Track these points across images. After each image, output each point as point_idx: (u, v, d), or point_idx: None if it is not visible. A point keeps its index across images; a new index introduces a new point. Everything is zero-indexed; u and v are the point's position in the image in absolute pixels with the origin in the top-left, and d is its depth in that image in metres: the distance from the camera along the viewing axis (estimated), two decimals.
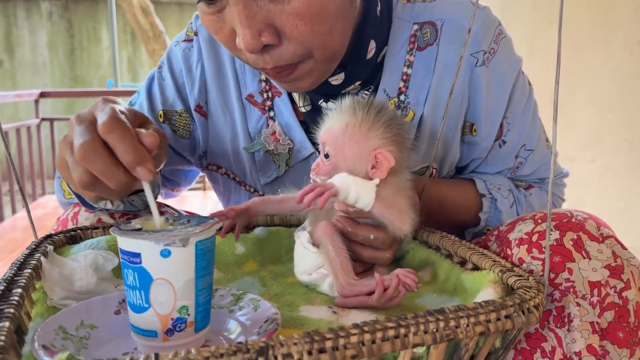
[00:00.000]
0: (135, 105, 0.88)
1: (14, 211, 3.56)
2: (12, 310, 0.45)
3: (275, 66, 0.65)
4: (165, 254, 0.47)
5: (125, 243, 0.48)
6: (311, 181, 0.63)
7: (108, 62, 6.54)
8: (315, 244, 0.66)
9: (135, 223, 0.51)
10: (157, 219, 0.52)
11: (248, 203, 0.68)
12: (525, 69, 0.84)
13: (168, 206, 0.87)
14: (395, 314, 0.57)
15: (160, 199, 0.98)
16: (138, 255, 0.47)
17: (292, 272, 0.70)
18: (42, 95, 3.86)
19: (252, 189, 0.87)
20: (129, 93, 4.73)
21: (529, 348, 0.56)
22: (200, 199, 3.93)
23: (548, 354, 0.55)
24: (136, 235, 0.47)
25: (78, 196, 0.72)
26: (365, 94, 0.79)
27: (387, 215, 0.60)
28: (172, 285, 0.47)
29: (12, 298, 0.48)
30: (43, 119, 3.92)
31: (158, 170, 0.76)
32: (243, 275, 0.69)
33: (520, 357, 0.57)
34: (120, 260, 0.49)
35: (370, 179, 0.61)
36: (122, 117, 0.53)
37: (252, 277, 0.68)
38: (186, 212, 0.93)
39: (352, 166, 0.60)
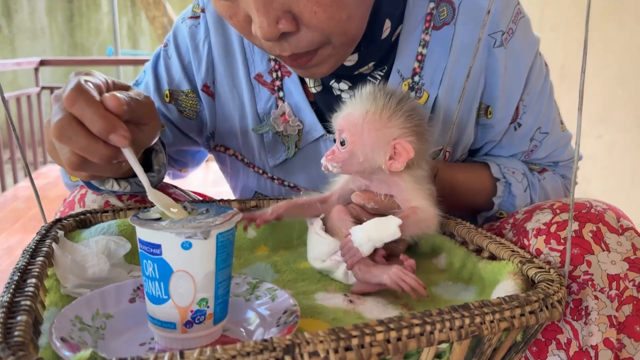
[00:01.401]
0: (141, 84, 0.86)
1: (15, 180, 3.56)
2: (28, 303, 0.45)
3: (292, 53, 0.63)
4: (187, 246, 0.46)
5: (145, 234, 0.47)
6: (322, 168, 0.62)
7: (108, 28, 6.44)
8: (328, 230, 0.66)
9: (154, 211, 0.51)
10: (144, 182, 0.53)
11: (276, 212, 0.65)
12: None
13: (176, 187, 0.86)
14: (412, 304, 0.58)
15: (167, 179, 0.97)
16: (158, 246, 0.46)
17: (304, 257, 0.69)
18: (42, 63, 3.81)
19: (260, 171, 0.86)
20: (130, 62, 4.67)
21: (544, 339, 0.56)
22: (202, 171, 3.93)
23: (563, 346, 0.55)
24: (156, 226, 0.46)
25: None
26: (379, 75, 0.77)
27: (413, 232, 0.60)
28: (193, 278, 0.47)
29: (27, 289, 0.47)
30: (43, 88, 3.88)
31: (163, 150, 0.75)
32: (255, 260, 0.69)
33: (535, 348, 0.56)
34: (139, 250, 0.48)
35: (389, 170, 0.59)
36: (87, 86, 0.52)
37: (265, 263, 0.68)
38: (194, 192, 0.93)
39: (369, 155, 0.59)
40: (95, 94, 0.52)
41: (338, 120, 0.62)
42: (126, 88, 0.60)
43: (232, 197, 0.94)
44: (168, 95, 0.84)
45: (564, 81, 2.51)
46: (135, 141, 0.58)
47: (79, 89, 0.51)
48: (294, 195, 0.69)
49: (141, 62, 4.37)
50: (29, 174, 0.63)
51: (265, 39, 0.60)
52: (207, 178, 3.73)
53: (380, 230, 0.57)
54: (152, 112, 0.59)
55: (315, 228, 0.66)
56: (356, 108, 0.60)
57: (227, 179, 0.94)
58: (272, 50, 0.64)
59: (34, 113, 3.84)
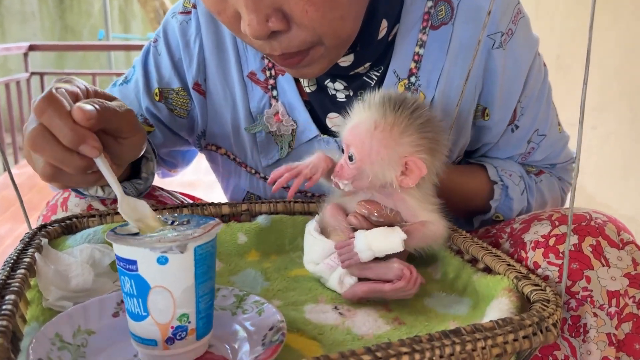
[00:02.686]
0: (131, 81, 0.84)
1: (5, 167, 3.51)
2: (4, 324, 0.43)
3: (282, 53, 0.60)
4: (163, 261, 0.44)
5: (121, 250, 0.45)
6: (332, 184, 0.60)
7: (99, 11, 6.34)
8: (323, 230, 0.64)
9: (132, 225, 0.49)
10: (117, 193, 0.52)
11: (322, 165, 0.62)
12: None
13: (162, 189, 0.84)
14: (404, 317, 0.56)
15: (157, 179, 0.95)
16: (134, 262, 0.45)
17: (296, 263, 0.68)
18: (31, 48, 3.74)
19: (253, 170, 0.84)
20: (121, 47, 4.60)
21: (540, 355, 0.55)
22: (196, 158, 3.88)
23: None
24: (131, 241, 0.45)
25: None
26: (375, 75, 0.75)
27: (419, 245, 0.58)
28: (171, 293, 0.45)
29: (4, 307, 0.45)
30: (33, 73, 3.82)
31: (154, 159, 0.73)
32: (245, 266, 0.67)
33: None
34: (117, 266, 0.47)
35: (400, 186, 0.57)
36: (57, 95, 0.51)
37: (255, 270, 0.66)
38: (182, 194, 0.91)
39: (379, 172, 0.56)
40: (65, 103, 0.51)
41: (345, 132, 0.59)
42: (109, 98, 0.58)
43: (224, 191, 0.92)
44: (158, 94, 0.81)
45: (559, 71, 2.49)
46: (115, 154, 0.57)
47: (49, 99, 0.50)
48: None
49: (132, 48, 4.30)
50: (8, 170, 0.61)
51: (254, 37, 0.58)
52: (200, 166, 3.70)
53: (384, 242, 0.55)
54: (133, 124, 0.57)
55: (309, 228, 0.64)
56: (364, 119, 0.57)
57: (219, 178, 0.92)
58: (262, 48, 0.62)
59: (24, 99, 3.78)
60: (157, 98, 0.81)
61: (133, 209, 0.51)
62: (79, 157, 0.51)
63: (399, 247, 0.55)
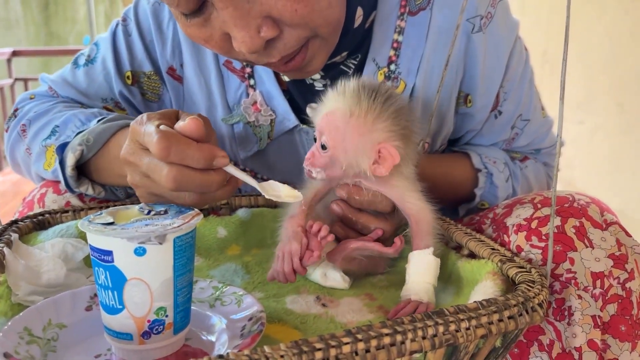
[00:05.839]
0: (97, 61, 0.80)
1: None
2: None
3: (281, 57, 0.59)
4: (140, 252, 0.43)
5: (95, 240, 0.44)
6: (305, 173, 0.58)
7: (84, 17, 6.29)
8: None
9: (107, 214, 0.47)
10: (255, 185, 0.51)
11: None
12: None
13: None
14: (388, 305, 0.55)
15: None
16: (109, 253, 0.43)
17: None
18: (15, 53, 3.70)
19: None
20: None
21: (525, 340, 0.53)
22: None
23: (546, 347, 0.52)
24: (107, 231, 0.43)
25: (63, 174, 0.66)
26: (353, 64, 0.74)
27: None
28: (148, 286, 0.44)
29: None
30: (17, 79, 3.77)
31: None
32: (226, 260, 0.66)
33: (516, 350, 0.54)
34: (91, 257, 0.45)
35: (374, 175, 0.55)
36: (165, 128, 0.50)
37: (235, 263, 0.65)
38: None
39: (352, 161, 0.55)
40: (174, 132, 0.50)
41: (318, 119, 0.57)
42: (175, 112, 0.57)
43: None
44: (130, 77, 0.79)
45: (545, 66, 2.49)
46: None
47: (164, 136, 0.49)
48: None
49: None
50: None
51: (250, 52, 0.56)
52: None
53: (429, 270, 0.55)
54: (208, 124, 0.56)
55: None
56: (338, 108, 0.55)
57: None
58: (259, 60, 0.61)
59: (8, 105, 3.73)
60: (129, 82, 0.79)
61: (272, 189, 0.52)
62: (217, 174, 0.50)
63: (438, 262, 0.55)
